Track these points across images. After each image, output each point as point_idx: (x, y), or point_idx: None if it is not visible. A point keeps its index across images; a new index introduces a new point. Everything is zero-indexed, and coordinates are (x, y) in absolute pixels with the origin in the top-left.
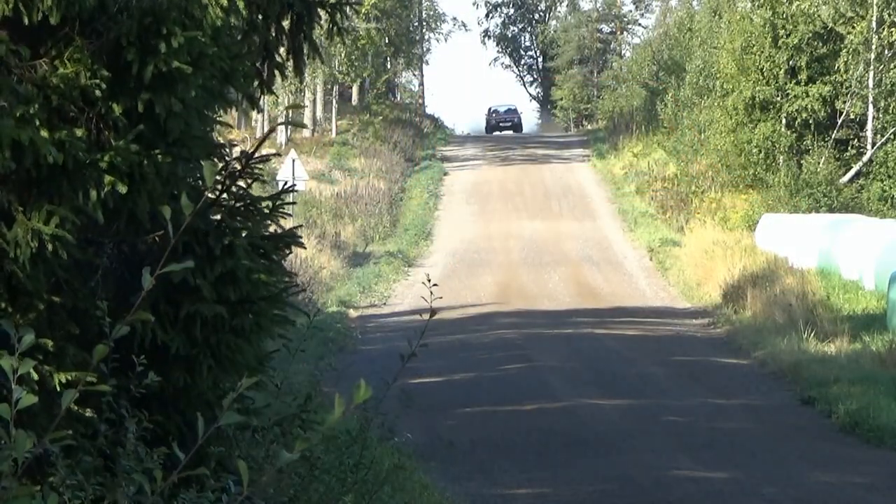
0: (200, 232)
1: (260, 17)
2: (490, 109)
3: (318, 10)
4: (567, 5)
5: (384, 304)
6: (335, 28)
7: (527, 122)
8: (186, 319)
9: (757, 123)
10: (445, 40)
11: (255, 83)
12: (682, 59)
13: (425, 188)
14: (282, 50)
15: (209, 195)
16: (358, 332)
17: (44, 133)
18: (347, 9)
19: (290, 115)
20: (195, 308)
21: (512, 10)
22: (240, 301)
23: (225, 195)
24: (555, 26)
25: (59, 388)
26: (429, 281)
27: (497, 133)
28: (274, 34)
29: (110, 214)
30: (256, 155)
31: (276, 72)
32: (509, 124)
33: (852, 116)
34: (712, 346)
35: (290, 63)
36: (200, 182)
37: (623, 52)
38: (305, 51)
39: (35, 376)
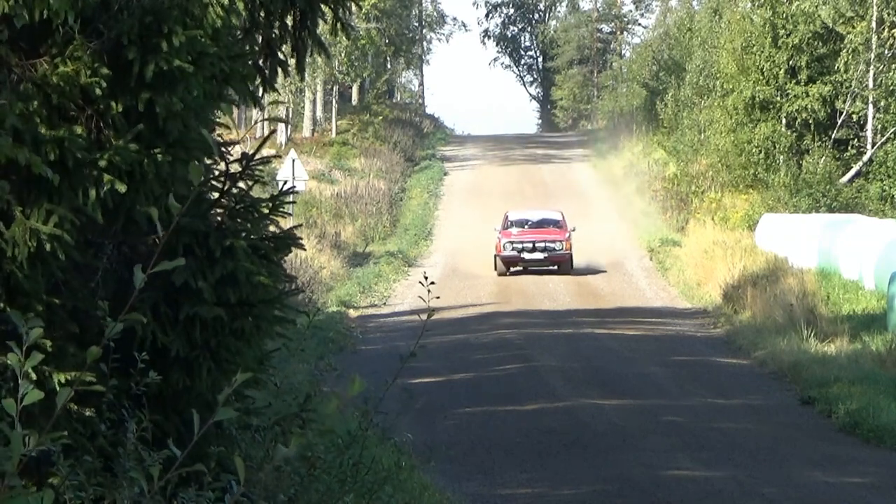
0: (201, 234)
1: (262, 14)
2: (506, 220)
3: (321, 5)
4: (567, 5)
5: (384, 304)
6: (339, 24)
7: (527, 122)
8: (186, 322)
9: (757, 123)
10: (447, 41)
11: (258, 81)
12: (682, 59)
13: (425, 188)
14: (285, 47)
15: (212, 194)
16: (358, 332)
17: (44, 131)
18: (350, 5)
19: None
20: (195, 310)
21: (512, 10)
22: (240, 303)
23: (225, 197)
24: (555, 26)
25: (58, 389)
26: (426, 279)
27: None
28: (277, 31)
29: (109, 214)
30: (257, 157)
31: (279, 69)
32: (542, 258)
33: (852, 116)
34: (712, 346)
35: (293, 60)
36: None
37: (623, 52)
38: (310, 47)
39: (33, 376)
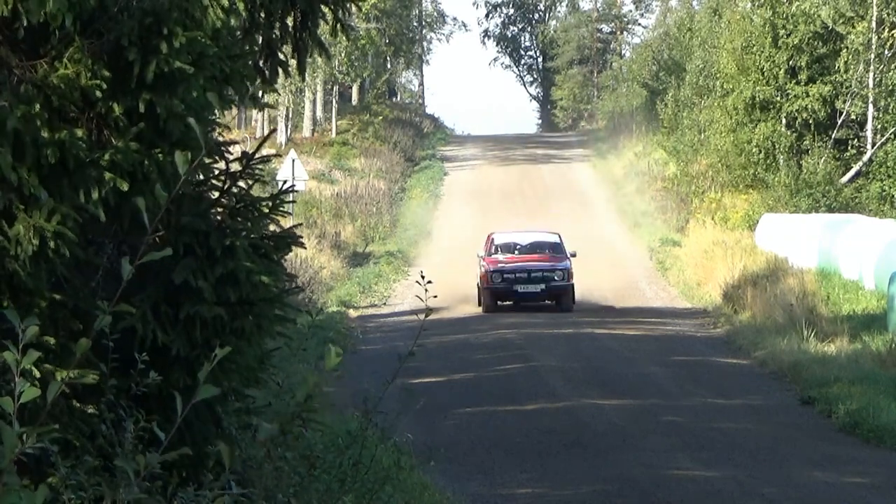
0: (201, 233)
1: (262, 15)
2: (491, 243)
3: (322, 6)
4: (567, 5)
5: (384, 304)
6: (339, 25)
7: (527, 122)
8: (186, 321)
9: (757, 123)
10: (447, 41)
11: (258, 82)
12: (682, 59)
13: (425, 188)
14: (285, 48)
15: (212, 194)
16: (358, 332)
17: (44, 133)
18: (350, 6)
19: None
20: (195, 310)
21: (512, 10)
22: (240, 302)
23: (225, 196)
24: (555, 26)
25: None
26: (423, 278)
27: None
28: (278, 32)
29: (111, 213)
30: (257, 156)
31: (280, 69)
32: (539, 291)
33: (852, 116)
34: (712, 346)
35: (294, 61)
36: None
37: (623, 52)
38: (311, 48)
39: (37, 374)
